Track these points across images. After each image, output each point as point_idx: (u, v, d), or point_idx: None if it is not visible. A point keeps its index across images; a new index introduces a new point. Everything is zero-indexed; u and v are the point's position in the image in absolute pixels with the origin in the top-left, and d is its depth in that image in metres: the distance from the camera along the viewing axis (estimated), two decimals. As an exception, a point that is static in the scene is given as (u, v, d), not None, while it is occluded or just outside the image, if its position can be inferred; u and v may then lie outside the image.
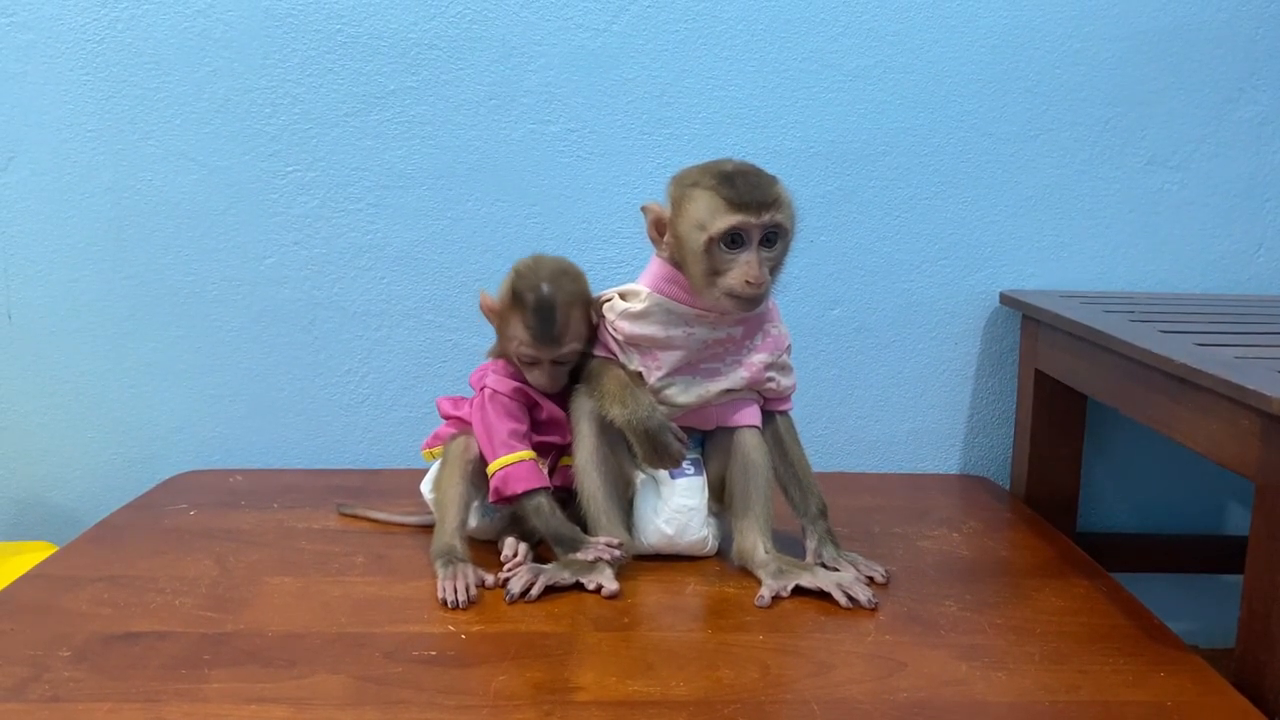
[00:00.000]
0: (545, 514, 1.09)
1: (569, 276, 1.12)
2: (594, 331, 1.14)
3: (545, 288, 1.09)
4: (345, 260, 1.49)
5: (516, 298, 1.10)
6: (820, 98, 1.48)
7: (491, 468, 1.11)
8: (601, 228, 1.49)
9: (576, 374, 1.15)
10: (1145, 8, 1.48)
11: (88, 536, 1.23)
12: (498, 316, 1.14)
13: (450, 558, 1.08)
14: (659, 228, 1.08)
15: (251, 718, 0.83)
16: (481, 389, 1.14)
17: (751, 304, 1.04)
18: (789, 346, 1.15)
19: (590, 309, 1.14)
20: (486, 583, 1.07)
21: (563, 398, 1.15)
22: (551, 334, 1.09)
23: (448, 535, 1.10)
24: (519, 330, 1.10)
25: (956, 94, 1.49)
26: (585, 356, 1.14)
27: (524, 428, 1.13)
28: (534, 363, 1.12)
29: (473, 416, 1.14)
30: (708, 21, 1.45)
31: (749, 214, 1.01)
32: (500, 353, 1.16)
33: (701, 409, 1.13)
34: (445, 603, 1.03)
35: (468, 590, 1.04)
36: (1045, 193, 1.52)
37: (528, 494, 1.10)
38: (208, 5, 1.42)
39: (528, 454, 1.11)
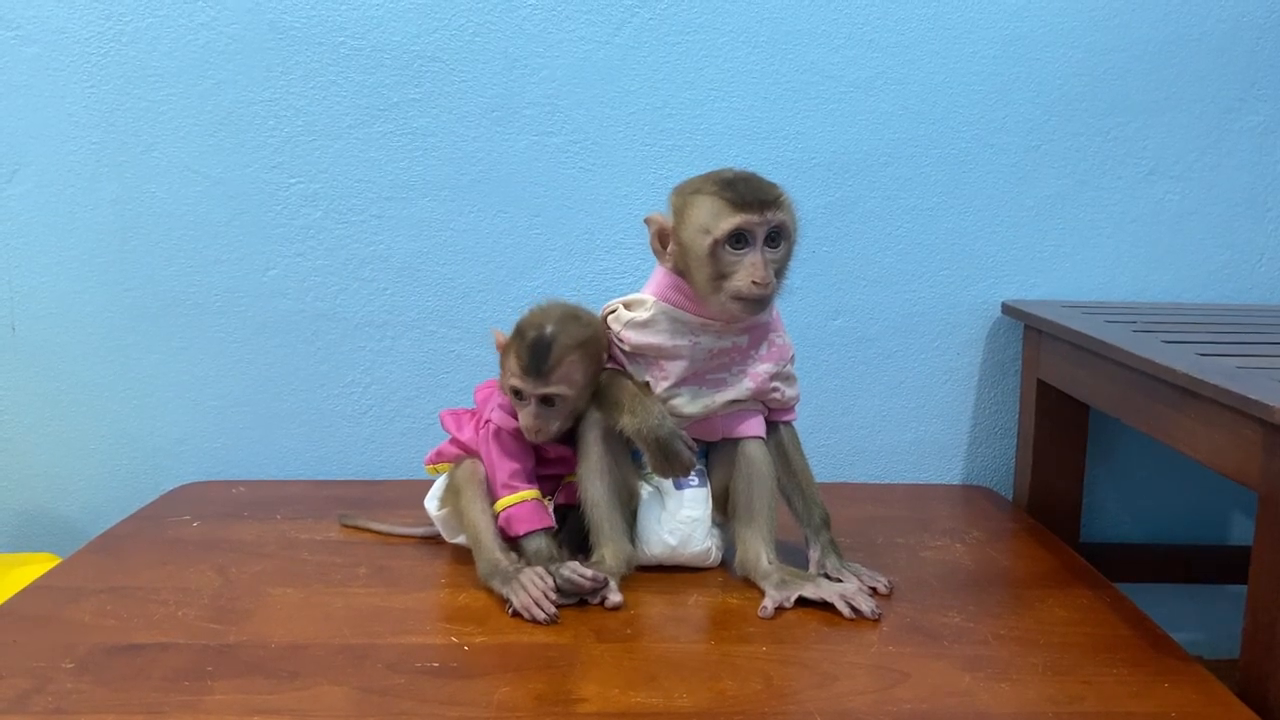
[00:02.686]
0: (544, 559, 1.08)
1: (579, 323, 1.11)
2: (593, 380, 1.12)
3: (548, 327, 1.08)
4: (348, 271, 1.49)
5: (517, 331, 1.10)
6: (822, 109, 1.48)
7: (496, 508, 1.11)
8: (604, 239, 1.49)
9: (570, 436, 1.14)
10: (1146, 18, 1.48)
11: (91, 548, 1.23)
12: (502, 351, 1.13)
13: (506, 575, 1.06)
14: (662, 239, 1.09)
15: (254, 729, 0.84)
16: (486, 421, 1.14)
17: (758, 305, 1.05)
18: (792, 356, 1.15)
19: (596, 359, 1.12)
20: (550, 582, 1.05)
21: (570, 432, 1.14)
22: (539, 367, 1.07)
23: (491, 553, 1.09)
24: (511, 361, 1.10)
25: (958, 105, 1.49)
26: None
27: (526, 465, 1.13)
28: (520, 397, 1.10)
29: (480, 447, 1.14)
30: (709, 34, 1.46)
31: (752, 213, 1.02)
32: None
33: (707, 420, 1.13)
34: (532, 620, 1.02)
35: (547, 597, 1.03)
36: (1047, 203, 1.52)
37: (529, 535, 1.10)
38: (211, 19, 1.43)
39: (530, 494, 1.11)
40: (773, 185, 1.05)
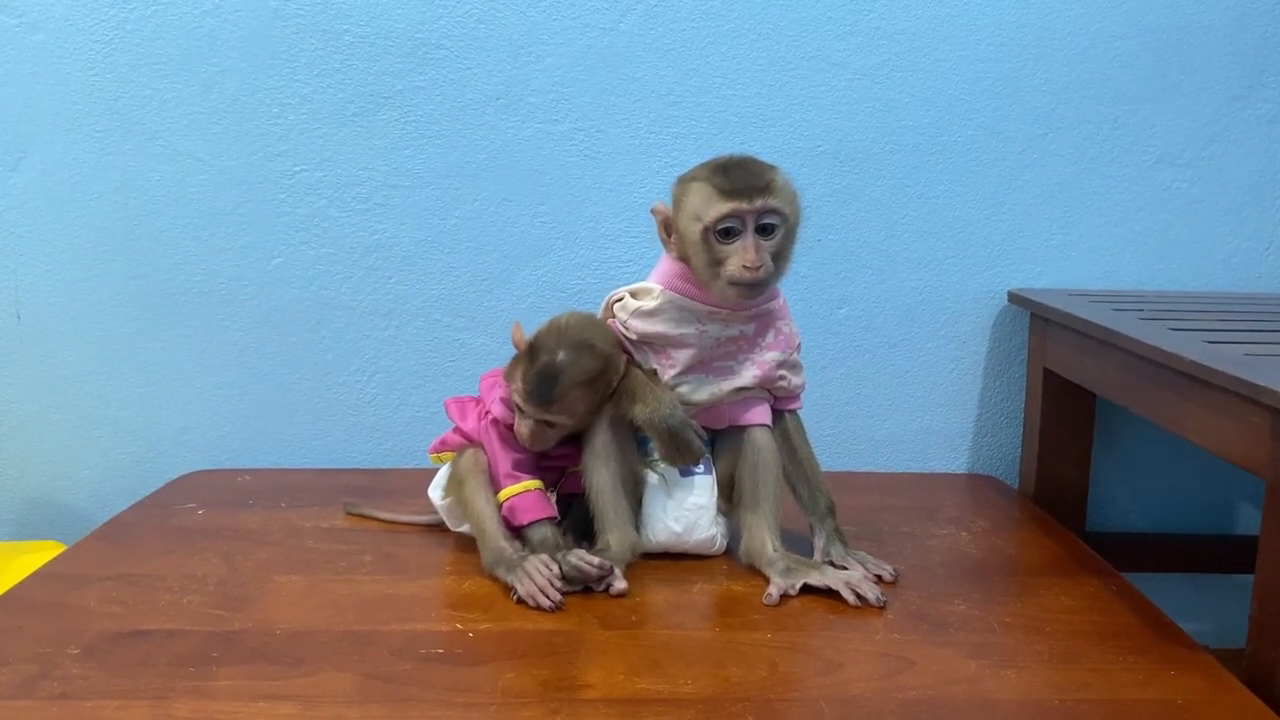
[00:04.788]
0: (550, 547, 1.09)
1: (592, 354, 1.09)
2: (597, 408, 1.12)
3: (561, 355, 1.07)
4: (353, 260, 1.49)
5: (531, 348, 1.09)
6: (827, 96, 1.48)
7: (499, 498, 1.12)
8: (609, 227, 1.49)
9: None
10: (1154, 5, 1.47)
11: (96, 535, 1.24)
12: (517, 357, 1.12)
13: (511, 563, 1.07)
14: (667, 228, 1.09)
15: (259, 715, 0.84)
16: (487, 412, 1.14)
17: (753, 289, 1.04)
18: (799, 345, 1.15)
19: (603, 390, 1.11)
20: (555, 570, 1.05)
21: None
22: (543, 398, 1.07)
23: (496, 542, 1.09)
24: (519, 380, 1.09)
25: (964, 92, 1.48)
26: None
27: (529, 455, 1.13)
28: (522, 412, 1.10)
29: (483, 438, 1.15)
30: (714, 20, 1.45)
31: (741, 200, 1.01)
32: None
33: (713, 407, 1.13)
34: (537, 607, 1.02)
35: (552, 585, 1.03)
36: (1054, 191, 1.51)
37: (534, 524, 1.10)
38: (215, 6, 1.42)
39: (533, 484, 1.12)
40: (768, 169, 1.05)
